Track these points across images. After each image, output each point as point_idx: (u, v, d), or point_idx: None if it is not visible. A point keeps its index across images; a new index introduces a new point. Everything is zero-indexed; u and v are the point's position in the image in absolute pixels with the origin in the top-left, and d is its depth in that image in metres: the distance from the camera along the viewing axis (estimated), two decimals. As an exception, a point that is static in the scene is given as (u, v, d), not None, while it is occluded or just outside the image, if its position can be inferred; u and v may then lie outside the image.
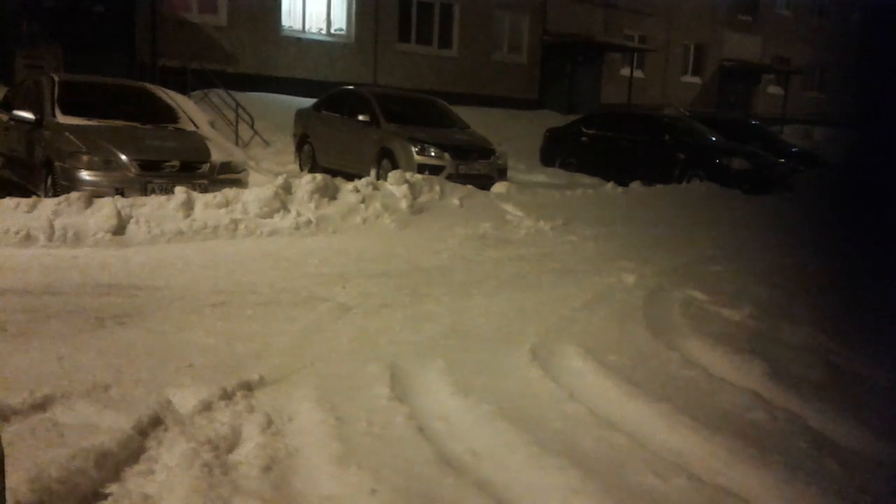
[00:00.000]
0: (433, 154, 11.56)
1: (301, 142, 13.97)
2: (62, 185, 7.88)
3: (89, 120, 8.66)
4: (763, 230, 10.28)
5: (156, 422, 3.19)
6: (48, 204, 7.05)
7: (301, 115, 14.29)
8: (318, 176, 8.58)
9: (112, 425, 3.09)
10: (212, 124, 10.39)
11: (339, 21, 20.78)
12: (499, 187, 10.89)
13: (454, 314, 5.27)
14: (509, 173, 12.90)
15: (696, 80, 30.89)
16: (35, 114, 8.63)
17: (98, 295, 5.15)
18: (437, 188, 9.37)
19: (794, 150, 17.91)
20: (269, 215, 7.76)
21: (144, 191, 7.98)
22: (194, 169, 8.49)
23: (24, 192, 8.12)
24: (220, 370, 3.85)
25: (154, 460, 2.94)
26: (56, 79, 9.31)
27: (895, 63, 7.57)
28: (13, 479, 2.43)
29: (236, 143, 13.80)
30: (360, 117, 12.46)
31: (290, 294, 5.49)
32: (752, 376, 4.28)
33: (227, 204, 7.66)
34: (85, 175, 7.90)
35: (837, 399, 4.04)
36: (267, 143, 15.14)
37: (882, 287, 7.02)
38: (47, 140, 8.39)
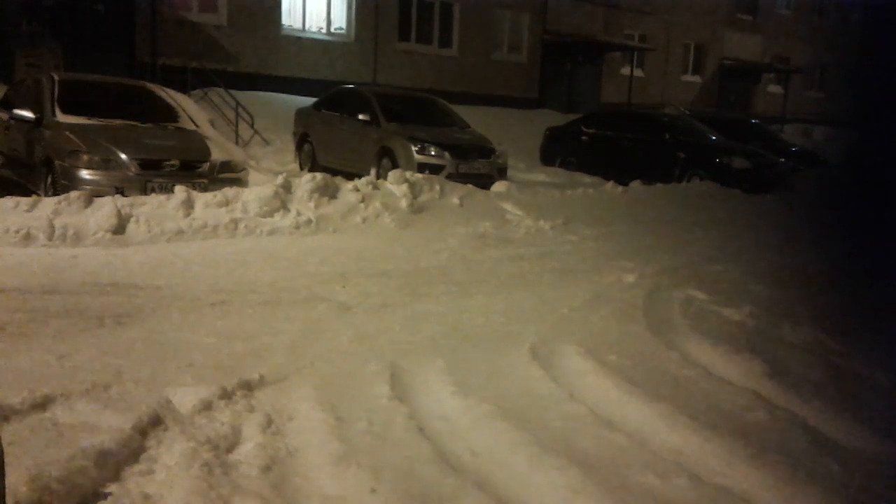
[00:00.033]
0: (433, 153, 11.56)
1: (301, 141, 13.96)
2: (62, 184, 7.88)
3: (89, 119, 8.66)
4: (763, 229, 10.28)
5: (156, 421, 3.19)
6: (48, 203, 7.05)
7: (301, 114, 14.28)
8: (318, 175, 8.58)
9: (112, 425, 3.09)
10: (212, 123, 10.40)
11: (339, 20, 20.78)
12: (499, 186, 10.89)
13: (454, 314, 5.27)
14: (509, 172, 12.90)
15: (697, 79, 30.88)
16: (35, 113, 8.63)
17: (98, 294, 5.15)
18: (437, 187, 9.37)
19: (794, 149, 17.91)
20: (269, 214, 7.76)
21: (144, 190, 7.99)
22: (194, 168, 8.49)
23: (24, 191, 8.12)
24: (220, 370, 3.85)
25: (154, 460, 2.93)
26: (56, 78, 9.31)
27: (895, 62, 7.57)
28: (13, 479, 2.43)
29: (236, 143, 13.80)
30: (361, 116, 12.45)
31: (290, 293, 5.49)
32: (752, 376, 4.28)
33: (227, 203, 7.66)
34: (85, 174, 7.90)
35: (837, 398, 4.04)
36: (267, 143, 15.14)
37: (882, 286, 7.02)
38: (47, 139, 8.39)
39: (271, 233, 7.55)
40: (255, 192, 7.89)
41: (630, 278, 6.60)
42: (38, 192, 8.26)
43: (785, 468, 3.11)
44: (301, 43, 19.92)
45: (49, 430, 3.04)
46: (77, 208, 6.99)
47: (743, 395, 3.96)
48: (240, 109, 15.24)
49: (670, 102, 26.92)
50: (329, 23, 20.63)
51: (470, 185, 10.02)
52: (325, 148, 13.28)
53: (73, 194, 7.18)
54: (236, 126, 15.07)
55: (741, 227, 10.25)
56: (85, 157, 7.95)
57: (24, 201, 7.03)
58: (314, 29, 20.43)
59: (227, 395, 3.48)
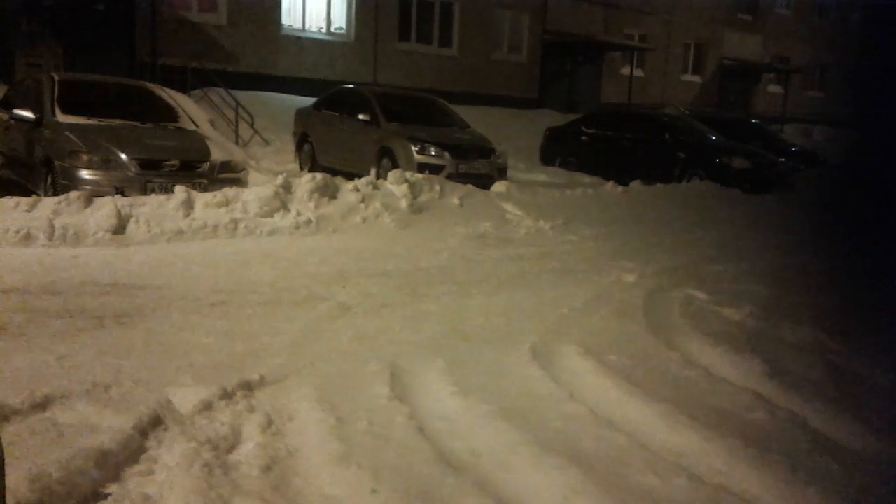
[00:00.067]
0: (433, 153, 11.56)
1: (301, 141, 13.96)
2: (62, 184, 7.88)
3: (89, 119, 8.65)
4: (763, 229, 10.28)
5: (156, 421, 3.19)
6: (48, 203, 7.05)
7: (301, 114, 14.28)
8: (318, 175, 8.58)
9: (112, 425, 3.09)
10: (212, 123, 10.39)
11: (339, 20, 20.78)
12: (499, 186, 10.89)
13: (454, 314, 5.27)
14: (509, 172, 12.90)
15: (697, 79, 30.89)
16: (35, 113, 8.63)
17: (98, 294, 5.15)
18: (437, 187, 9.37)
19: (794, 149, 17.91)
20: (269, 214, 7.76)
21: (144, 190, 7.98)
22: (194, 168, 8.49)
23: (24, 192, 8.12)
24: (220, 370, 3.85)
25: (154, 460, 2.94)
26: (56, 78, 9.31)
27: (895, 62, 7.57)
28: (13, 479, 2.43)
29: (236, 143, 13.80)
30: (361, 116, 12.45)
31: (290, 293, 5.49)
32: (752, 376, 4.28)
33: (227, 203, 7.66)
34: (85, 174, 7.90)
35: (838, 399, 4.04)
36: (267, 143, 15.14)
37: (882, 286, 7.02)
38: (47, 139, 8.39)
39: (271, 233, 7.55)
40: (255, 192, 7.89)
41: (630, 278, 6.60)
42: (38, 192, 8.26)
43: (785, 468, 3.11)
44: (301, 43, 19.92)
45: (49, 430, 3.04)
46: (77, 208, 6.99)
47: (743, 395, 3.96)
48: (240, 109, 15.24)
49: (670, 102, 26.93)
50: (329, 22, 20.64)
51: (470, 185, 10.03)
52: (325, 148, 13.28)
53: (73, 194, 7.18)
54: (236, 126, 15.08)
55: (741, 227, 10.26)
56: (85, 157, 7.95)
57: (24, 201, 7.03)
58: (314, 29, 20.44)
59: (227, 396, 3.48)
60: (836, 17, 34.34)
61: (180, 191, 7.58)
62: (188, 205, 7.45)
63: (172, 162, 8.34)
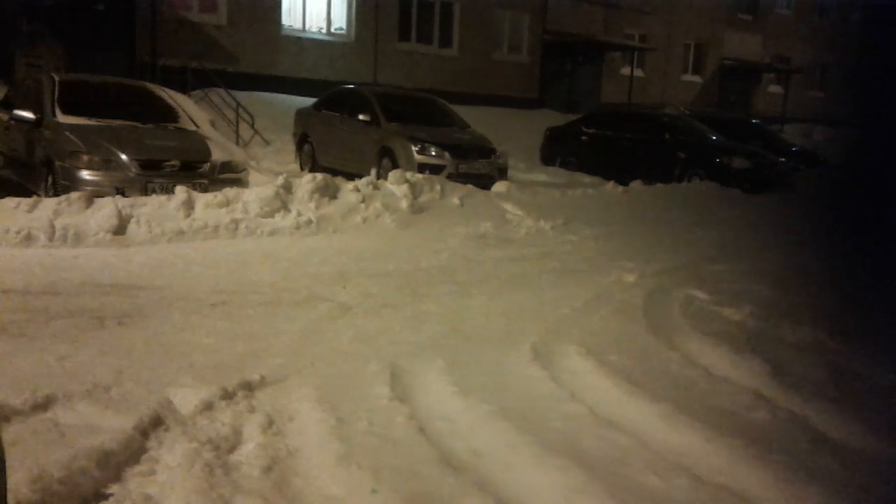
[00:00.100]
0: (433, 153, 11.56)
1: (301, 141, 13.96)
2: (63, 184, 7.88)
3: (90, 119, 8.65)
4: (763, 229, 10.28)
5: (157, 422, 3.19)
6: (49, 204, 7.05)
7: (301, 114, 14.28)
8: (319, 175, 8.59)
9: (113, 425, 3.09)
10: (212, 124, 10.39)
11: (340, 20, 20.77)
12: (499, 186, 10.89)
13: (455, 314, 5.27)
14: (510, 172, 12.90)
15: (697, 79, 30.88)
16: (35, 113, 8.63)
17: (99, 295, 5.15)
18: (438, 187, 9.37)
19: (794, 149, 17.91)
20: (270, 215, 7.76)
21: (145, 190, 7.98)
22: (195, 168, 8.49)
23: (25, 192, 8.11)
24: (220, 370, 3.85)
25: (155, 460, 2.94)
26: (56, 78, 9.31)
27: (895, 62, 7.57)
28: (14, 480, 2.43)
29: (237, 143, 13.79)
30: (361, 117, 12.45)
31: (290, 294, 5.49)
32: (753, 376, 4.28)
33: (227, 203, 7.66)
34: (85, 174, 7.90)
35: (838, 398, 4.04)
36: (267, 143, 15.14)
37: (882, 286, 7.02)
38: (48, 139, 8.39)
39: (272, 233, 7.55)
40: (256, 193, 7.90)
41: (630, 278, 6.60)
42: (39, 192, 8.26)
43: (786, 468, 3.11)
44: (301, 43, 19.92)
45: (50, 430, 3.04)
46: (78, 209, 7.00)
47: (744, 394, 3.96)
48: (240, 110, 15.23)
49: (670, 102, 26.92)
50: (329, 23, 20.63)
51: (470, 186, 10.03)
52: (325, 148, 13.28)
53: (74, 195, 7.18)
54: (236, 126, 15.07)
55: (741, 227, 10.25)
56: (85, 158, 7.95)
57: (25, 202, 7.03)
58: (314, 29, 20.43)
59: (228, 396, 3.49)
60: (837, 16, 34.33)
61: (181, 191, 7.58)
62: (189, 205, 7.46)
63: (173, 162, 8.34)
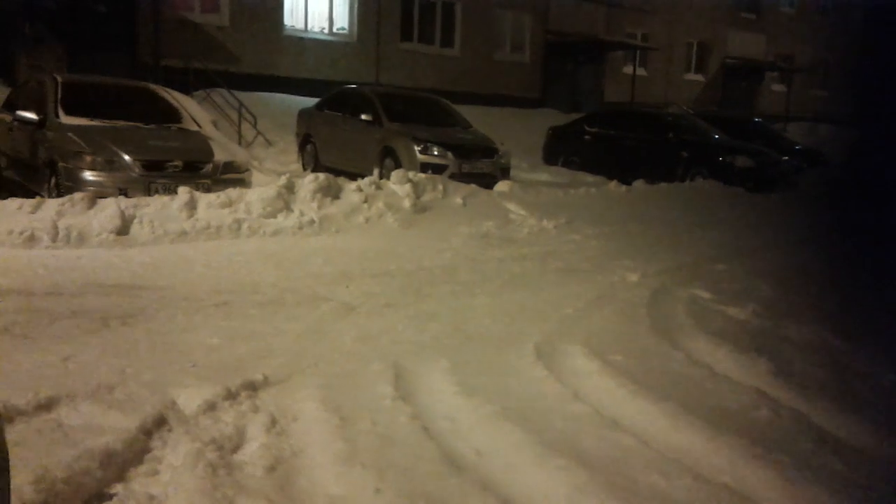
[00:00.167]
0: (436, 153, 11.56)
1: (304, 141, 13.98)
2: (65, 185, 7.89)
3: (92, 120, 8.67)
4: (766, 229, 10.27)
5: (160, 422, 3.20)
6: (52, 204, 7.06)
7: (304, 114, 14.30)
8: (321, 175, 8.59)
9: (117, 426, 3.09)
10: (215, 124, 10.40)
11: (342, 20, 20.78)
12: (502, 186, 10.88)
13: (458, 313, 5.26)
14: (512, 172, 12.89)
15: (700, 77, 30.85)
16: (38, 114, 8.64)
17: (102, 295, 5.16)
18: (440, 187, 9.37)
19: (797, 147, 17.89)
20: (273, 215, 7.76)
21: (148, 191, 7.99)
22: (197, 169, 8.49)
23: (28, 193, 8.13)
24: (224, 370, 3.85)
25: (159, 460, 2.94)
26: (59, 79, 9.32)
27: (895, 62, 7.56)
28: (18, 480, 2.43)
29: (239, 143, 13.81)
30: (363, 116, 12.46)
31: (293, 294, 5.49)
32: (756, 375, 4.27)
33: (230, 204, 7.66)
34: (88, 175, 7.91)
35: (842, 397, 4.03)
36: (270, 143, 15.15)
37: (886, 285, 7.01)
38: (50, 140, 8.40)
39: (274, 233, 7.55)
40: (259, 193, 7.90)
41: (634, 277, 6.59)
42: (42, 193, 8.27)
43: (790, 467, 3.11)
44: (303, 43, 19.93)
45: (54, 431, 3.04)
46: (80, 209, 7.00)
47: (748, 394, 3.95)
48: (242, 110, 15.25)
49: (673, 101, 26.89)
50: (331, 23, 20.64)
51: (473, 185, 10.02)
52: (327, 148, 13.29)
53: (77, 196, 7.18)
54: (239, 127, 15.09)
55: (745, 226, 10.24)
56: (88, 159, 7.96)
57: (28, 203, 7.03)
58: (316, 29, 20.44)
59: (231, 396, 3.49)
60: (839, 15, 34.27)
61: (184, 192, 7.58)
62: (191, 206, 7.46)
63: (176, 163, 8.35)
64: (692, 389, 4.01)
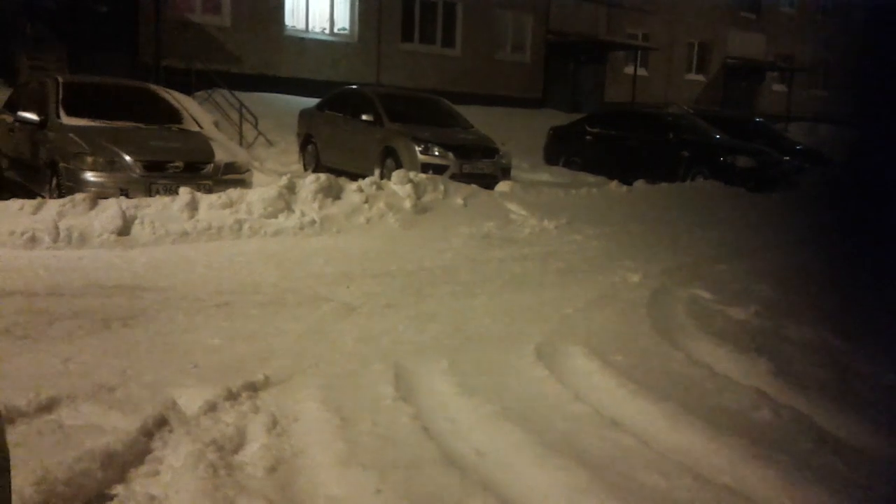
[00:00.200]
0: (437, 153, 11.56)
1: (305, 142, 13.98)
2: (67, 186, 7.89)
3: (93, 121, 8.68)
4: (767, 228, 10.26)
5: (161, 423, 3.20)
6: (53, 205, 7.06)
7: (305, 115, 14.30)
8: (322, 176, 8.59)
9: (117, 426, 3.09)
10: (216, 125, 10.42)
11: (343, 21, 20.79)
12: (503, 186, 10.88)
13: (458, 314, 5.27)
14: (513, 172, 12.89)
15: (700, 77, 30.85)
16: (39, 115, 8.65)
17: (103, 296, 5.16)
18: (441, 187, 9.37)
19: (798, 147, 17.88)
20: (274, 215, 7.76)
21: (149, 191, 7.99)
22: (198, 169, 8.50)
23: (29, 194, 8.13)
24: (224, 371, 3.85)
25: (159, 461, 2.94)
26: (60, 80, 9.33)
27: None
28: (19, 481, 2.43)
29: (240, 144, 13.81)
30: (364, 117, 12.47)
31: (294, 294, 5.50)
32: (757, 375, 4.27)
33: (231, 204, 7.67)
34: (89, 176, 7.92)
35: (842, 397, 4.03)
36: (271, 143, 15.15)
37: (886, 285, 7.00)
38: (51, 141, 8.40)
39: (275, 234, 7.55)
40: (260, 194, 7.90)
41: (634, 278, 6.59)
42: (43, 194, 8.27)
43: (790, 467, 3.11)
44: (304, 44, 19.94)
45: (55, 431, 3.04)
46: (82, 210, 7.01)
47: (748, 394, 3.95)
48: (243, 110, 15.25)
49: (674, 101, 26.89)
50: (332, 23, 20.65)
51: (474, 186, 10.02)
52: (328, 149, 13.29)
53: (78, 196, 7.19)
54: (240, 127, 15.10)
55: (745, 226, 10.24)
56: (89, 160, 7.97)
57: (29, 204, 7.04)
58: (317, 30, 20.45)
59: (232, 397, 3.49)
60: (840, 14, 34.25)
61: (185, 192, 7.58)
62: (192, 206, 7.46)
63: (177, 163, 8.35)
64: (692, 389, 4.01)
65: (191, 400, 3.42)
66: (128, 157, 8.07)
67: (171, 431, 3.16)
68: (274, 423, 3.29)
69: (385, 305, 5.37)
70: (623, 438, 3.33)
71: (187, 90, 14.09)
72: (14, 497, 2.11)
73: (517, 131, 18.01)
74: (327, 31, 20.59)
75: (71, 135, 8.27)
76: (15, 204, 7.04)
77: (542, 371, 4.11)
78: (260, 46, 18.95)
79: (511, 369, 4.17)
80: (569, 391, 3.83)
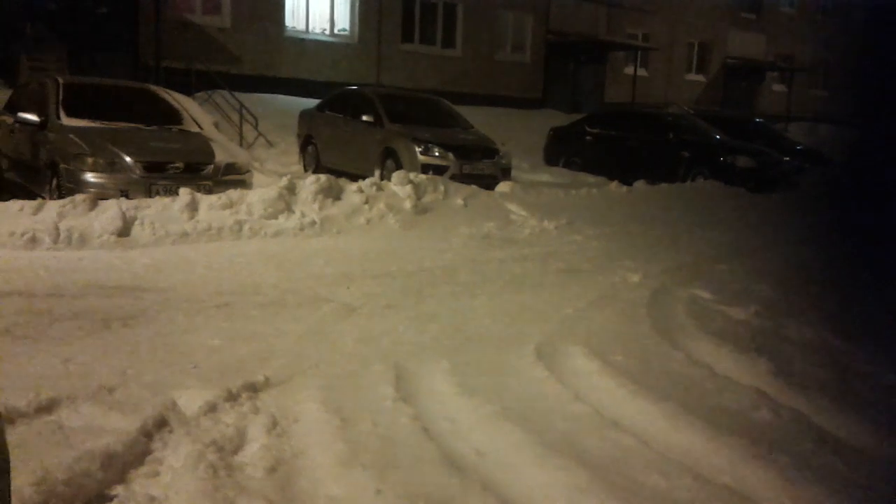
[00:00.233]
0: (437, 154, 11.56)
1: (305, 142, 13.98)
2: (67, 187, 7.90)
3: (93, 122, 8.68)
4: (767, 228, 10.27)
5: (161, 423, 3.20)
6: (53, 206, 7.07)
7: (305, 115, 14.30)
8: (322, 177, 8.59)
9: (117, 427, 3.09)
10: (216, 125, 10.43)
11: (343, 21, 20.80)
12: (503, 187, 10.89)
13: (458, 314, 5.27)
14: (513, 173, 12.89)
15: (701, 78, 30.85)
16: (39, 116, 8.65)
17: (103, 297, 5.16)
18: (441, 188, 9.37)
19: (798, 147, 17.88)
20: (274, 216, 7.76)
21: (149, 192, 7.99)
22: (198, 170, 8.50)
23: (29, 195, 8.13)
24: (225, 371, 3.86)
25: (159, 462, 2.94)
26: (60, 81, 9.33)
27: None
28: (19, 481, 2.43)
29: (240, 145, 13.82)
30: (364, 118, 12.47)
31: (294, 295, 5.50)
32: (757, 375, 4.27)
33: (231, 205, 7.67)
34: (89, 177, 7.92)
35: (843, 397, 4.03)
36: (271, 144, 15.16)
37: (886, 285, 7.00)
38: (52, 142, 8.41)
39: (276, 234, 7.55)
40: (260, 194, 7.90)
41: (635, 278, 6.59)
42: (43, 195, 8.28)
43: (790, 468, 3.11)
44: (304, 45, 19.94)
45: (55, 432, 3.05)
46: (82, 211, 7.01)
47: (748, 394, 3.95)
48: (244, 111, 15.26)
49: (674, 102, 26.89)
50: (332, 24, 20.65)
51: (474, 186, 10.02)
52: (328, 149, 13.29)
53: (78, 197, 7.19)
54: (240, 128, 15.10)
55: (745, 226, 10.24)
56: (89, 160, 7.97)
57: (29, 204, 7.04)
58: (318, 30, 20.46)
59: (232, 397, 3.49)
60: (840, 14, 34.24)
61: (185, 193, 7.59)
62: (193, 207, 7.46)
63: (177, 164, 8.35)
64: (692, 389, 4.01)
65: (191, 400, 3.42)
66: (128, 158, 8.08)
67: (171, 432, 3.16)
68: (274, 424, 3.29)
69: (385, 306, 5.37)
70: (623, 438, 3.33)
71: (187, 91, 14.11)
72: (14, 497, 2.11)
73: (517, 131, 18.01)
74: (327, 32, 20.60)
75: (71, 136, 8.27)
76: (15, 205, 7.05)
77: (542, 371, 4.11)
78: (260, 47, 18.95)
79: (511, 369, 4.17)
80: (569, 391, 3.84)
